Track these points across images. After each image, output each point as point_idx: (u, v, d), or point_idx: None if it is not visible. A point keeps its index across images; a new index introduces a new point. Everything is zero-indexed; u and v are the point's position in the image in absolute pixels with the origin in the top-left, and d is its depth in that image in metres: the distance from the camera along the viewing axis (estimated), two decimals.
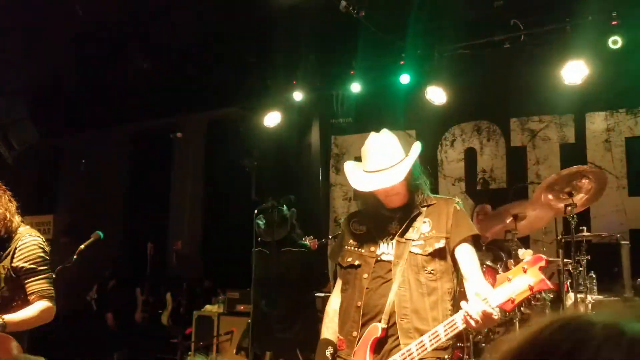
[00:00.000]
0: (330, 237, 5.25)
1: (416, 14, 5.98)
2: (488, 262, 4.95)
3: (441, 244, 2.60)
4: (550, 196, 4.76)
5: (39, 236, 3.24)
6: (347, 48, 6.91)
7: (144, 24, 6.70)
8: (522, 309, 4.72)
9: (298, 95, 7.42)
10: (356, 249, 2.77)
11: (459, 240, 2.62)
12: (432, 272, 2.59)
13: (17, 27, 5.84)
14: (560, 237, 5.14)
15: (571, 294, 4.76)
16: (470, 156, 7.22)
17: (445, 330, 2.36)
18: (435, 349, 2.44)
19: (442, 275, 2.60)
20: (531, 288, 2.25)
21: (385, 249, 2.68)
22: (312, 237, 4.91)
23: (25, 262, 3.10)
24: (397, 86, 6.91)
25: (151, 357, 7.59)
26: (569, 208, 4.59)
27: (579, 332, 0.72)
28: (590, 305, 4.57)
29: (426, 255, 2.59)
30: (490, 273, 4.68)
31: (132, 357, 7.73)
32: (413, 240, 2.63)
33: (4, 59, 6.05)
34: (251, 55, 7.38)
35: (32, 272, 3.11)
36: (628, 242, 5.39)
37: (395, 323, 2.55)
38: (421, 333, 2.46)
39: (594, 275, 4.97)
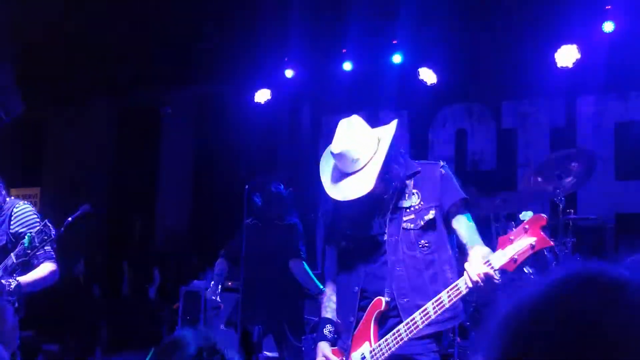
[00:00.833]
0: (320, 215, 5.23)
1: None
2: None
3: (431, 215, 2.58)
4: (539, 179, 4.79)
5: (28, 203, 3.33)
6: (339, 26, 6.86)
7: None
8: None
9: (289, 73, 7.37)
10: (348, 231, 2.73)
11: (450, 205, 2.59)
12: (426, 245, 2.57)
13: None
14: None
15: None
16: (460, 138, 7.24)
17: (449, 295, 2.36)
18: (437, 322, 2.44)
19: (438, 247, 2.59)
20: (532, 247, 2.27)
21: (379, 229, 2.65)
22: None
23: (25, 227, 3.15)
24: (389, 66, 6.88)
25: (138, 331, 7.60)
26: (558, 191, 4.63)
27: (609, 291, 0.63)
28: None
29: (418, 230, 2.57)
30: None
31: (119, 332, 7.74)
32: (404, 214, 2.60)
33: None
34: (242, 31, 7.29)
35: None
36: (614, 225, 5.45)
37: (395, 302, 2.54)
38: None
39: (579, 258, 5.03)
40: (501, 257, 2.30)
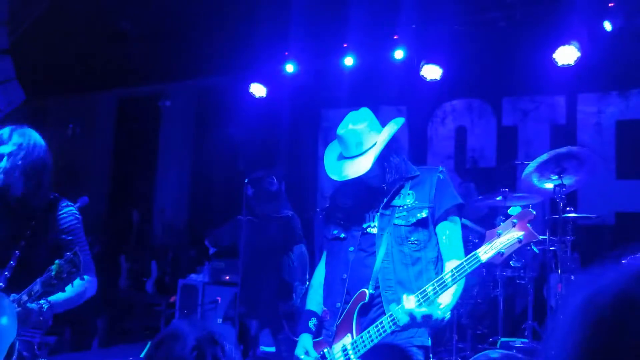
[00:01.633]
0: (318, 210, 5.23)
1: None
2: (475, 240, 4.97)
3: (424, 214, 2.61)
4: (539, 177, 4.77)
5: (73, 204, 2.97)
6: (340, 21, 6.83)
7: None
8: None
9: (290, 68, 7.34)
10: (342, 221, 2.78)
11: (443, 211, 2.62)
12: (415, 242, 2.60)
13: None
14: (547, 217, 5.17)
15: (555, 274, 4.80)
16: (460, 134, 7.22)
17: (434, 289, 2.36)
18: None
19: (426, 245, 2.62)
20: (520, 241, 2.30)
21: (371, 222, 2.69)
22: None
23: (71, 236, 2.84)
24: (390, 61, 6.86)
25: (135, 324, 7.60)
26: (558, 189, 4.61)
27: None
28: None
29: (409, 226, 2.60)
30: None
31: (116, 325, 7.74)
32: (396, 212, 2.63)
33: None
34: (242, 24, 7.26)
35: (71, 244, 2.81)
36: (614, 224, 5.44)
37: (380, 295, 2.56)
38: None
39: (577, 256, 5.02)
40: (488, 250, 2.33)
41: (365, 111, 2.72)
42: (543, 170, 4.72)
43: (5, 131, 2.89)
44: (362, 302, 2.57)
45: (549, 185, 4.71)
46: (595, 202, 6.13)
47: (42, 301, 2.65)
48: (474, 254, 2.34)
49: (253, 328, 4.18)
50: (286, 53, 7.39)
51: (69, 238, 2.84)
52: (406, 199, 2.65)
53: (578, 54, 5.76)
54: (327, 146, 2.85)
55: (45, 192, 2.91)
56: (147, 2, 6.85)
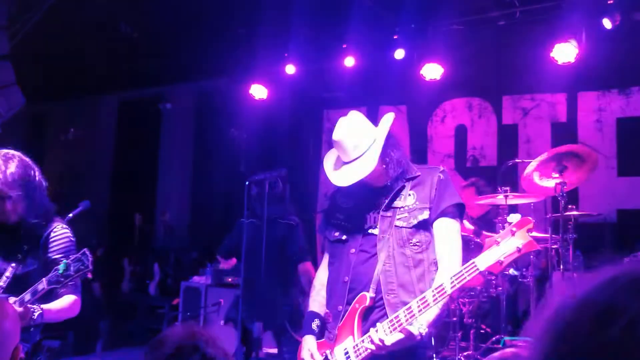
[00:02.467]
0: (320, 211, 5.22)
1: None
2: (476, 240, 4.97)
3: (425, 215, 2.60)
4: (540, 175, 4.77)
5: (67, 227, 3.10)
6: (340, 21, 6.83)
7: None
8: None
9: (290, 69, 7.34)
10: (343, 222, 2.77)
11: (440, 211, 2.60)
12: (417, 244, 2.59)
13: None
14: (549, 215, 5.17)
15: (558, 272, 4.80)
16: (460, 133, 7.22)
17: (434, 295, 2.36)
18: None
19: (428, 246, 2.61)
20: (519, 250, 2.28)
21: (372, 223, 2.67)
22: None
23: (60, 253, 2.95)
24: (390, 61, 6.85)
25: (138, 327, 7.61)
26: (559, 187, 4.61)
27: None
28: None
29: (410, 228, 2.59)
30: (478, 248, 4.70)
31: (119, 327, 7.75)
32: (398, 213, 2.62)
33: None
34: (242, 26, 7.27)
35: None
36: (615, 222, 5.44)
37: (382, 297, 2.56)
38: None
39: (579, 254, 5.02)
40: (487, 259, 2.31)
41: (355, 114, 2.70)
42: (544, 168, 4.72)
43: None
44: (363, 306, 2.57)
45: (550, 184, 4.71)
46: (596, 199, 6.13)
47: (35, 306, 2.73)
48: (473, 262, 2.32)
49: (256, 330, 4.18)
50: (286, 54, 7.39)
51: (62, 258, 2.89)
52: (407, 200, 2.63)
53: (578, 52, 5.76)
54: (330, 146, 2.85)
55: (38, 212, 3.00)
56: (147, 5, 6.86)
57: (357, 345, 2.53)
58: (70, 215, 3.62)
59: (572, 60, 5.82)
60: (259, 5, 6.61)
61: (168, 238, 8.62)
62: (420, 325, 2.39)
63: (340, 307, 2.64)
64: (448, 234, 2.60)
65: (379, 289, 2.56)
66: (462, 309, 4.85)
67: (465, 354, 4.77)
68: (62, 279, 2.71)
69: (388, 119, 2.69)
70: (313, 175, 7.87)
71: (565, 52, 5.80)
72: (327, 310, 2.74)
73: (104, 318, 7.79)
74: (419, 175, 2.69)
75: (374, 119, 2.78)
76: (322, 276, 2.85)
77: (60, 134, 9.93)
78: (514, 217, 2.12)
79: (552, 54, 5.86)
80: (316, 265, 5.06)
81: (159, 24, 7.29)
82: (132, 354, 6.70)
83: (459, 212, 2.66)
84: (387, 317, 2.47)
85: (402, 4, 6.32)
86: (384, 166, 2.62)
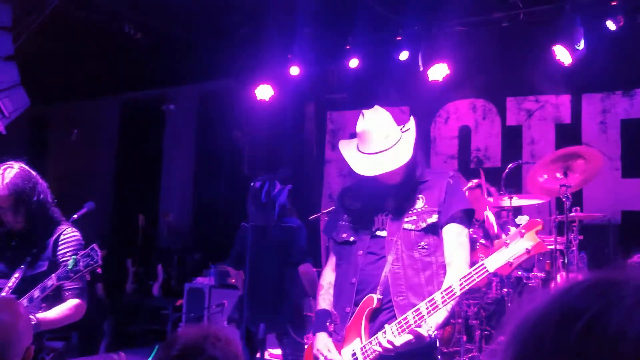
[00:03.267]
0: (324, 212, 5.22)
1: None
2: (481, 241, 4.97)
3: (434, 218, 2.59)
4: (544, 176, 4.76)
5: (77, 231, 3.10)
6: (344, 22, 6.83)
7: None
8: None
9: (294, 70, 7.34)
10: (351, 224, 2.76)
11: (449, 215, 2.60)
12: (425, 247, 2.58)
13: None
14: (553, 216, 5.16)
15: (563, 274, 4.79)
16: (464, 134, 7.21)
17: (443, 297, 2.36)
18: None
19: (436, 249, 2.60)
20: (528, 251, 2.29)
21: (380, 225, 2.66)
22: None
23: (70, 254, 2.94)
24: (393, 62, 6.85)
25: (141, 327, 7.61)
26: (564, 188, 4.60)
27: (610, 293, 0.65)
28: None
29: (419, 231, 2.58)
30: (483, 250, 4.69)
31: (123, 328, 7.75)
32: (406, 216, 2.61)
33: None
34: (245, 28, 7.27)
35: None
36: (619, 223, 5.42)
37: (390, 299, 2.55)
38: None
39: (584, 255, 5.00)
40: (497, 260, 2.32)
41: (379, 108, 2.70)
42: (548, 170, 4.71)
43: None
44: (370, 307, 2.56)
45: (555, 185, 4.70)
46: (601, 201, 6.12)
47: (31, 316, 2.68)
48: (482, 264, 2.33)
49: (260, 331, 4.17)
50: (290, 56, 7.39)
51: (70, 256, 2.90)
52: (416, 203, 2.63)
53: (583, 54, 5.75)
54: (333, 148, 2.84)
55: (44, 219, 3.04)
56: (150, 6, 6.86)
57: (364, 346, 2.52)
58: (75, 216, 3.62)
59: (576, 62, 5.81)
60: (263, 7, 6.61)
61: (171, 239, 8.63)
62: (429, 327, 2.39)
63: (348, 308, 2.64)
64: (457, 239, 2.60)
65: (386, 291, 2.55)
66: (467, 311, 4.84)
67: (470, 355, 4.76)
68: (72, 274, 2.73)
69: (413, 122, 2.70)
70: (317, 176, 7.87)
71: (569, 54, 5.79)
72: (335, 312, 2.73)
73: (107, 319, 7.79)
74: (429, 180, 2.69)
75: None
76: (329, 275, 2.84)
77: (64, 136, 9.94)
78: (523, 219, 2.11)
79: (556, 56, 5.86)
80: (316, 266, 5.06)
81: (162, 25, 7.30)
82: (136, 355, 6.70)
83: (467, 217, 2.66)
84: (396, 319, 2.46)
85: (406, 6, 6.32)
86: (409, 162, 2.60)
